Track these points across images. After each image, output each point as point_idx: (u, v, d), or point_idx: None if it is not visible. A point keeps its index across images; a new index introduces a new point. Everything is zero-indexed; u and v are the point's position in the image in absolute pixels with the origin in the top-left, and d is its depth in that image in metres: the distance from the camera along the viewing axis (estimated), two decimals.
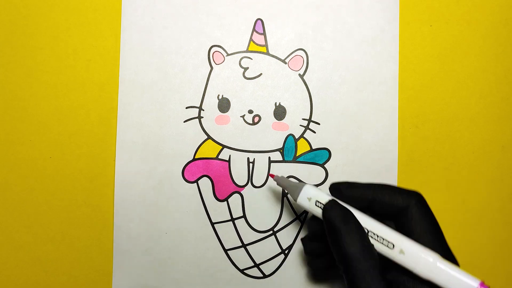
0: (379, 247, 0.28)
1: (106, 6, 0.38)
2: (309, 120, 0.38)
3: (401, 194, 0.29)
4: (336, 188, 0.31)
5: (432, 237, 0.27)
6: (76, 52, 0.38)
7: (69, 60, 0.38)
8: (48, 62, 0.38)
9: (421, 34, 0.39)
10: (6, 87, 0.38)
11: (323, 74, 0.38)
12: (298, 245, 0.38)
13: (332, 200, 0.30)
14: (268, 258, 0.38)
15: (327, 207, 0.29)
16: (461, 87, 0.39)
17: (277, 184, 0.34)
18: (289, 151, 0.38)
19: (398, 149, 0.38)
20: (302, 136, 0.38)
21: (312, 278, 0.38)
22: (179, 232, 0.38)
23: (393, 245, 0.27)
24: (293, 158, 0.38)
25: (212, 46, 0.38)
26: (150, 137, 0.38)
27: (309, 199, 0.31)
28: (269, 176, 0.38)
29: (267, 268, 0.38)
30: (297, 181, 0.35)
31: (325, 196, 0.31)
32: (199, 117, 0.38)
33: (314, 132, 0.38)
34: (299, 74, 0.38)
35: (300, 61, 0.38)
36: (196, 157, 0.38)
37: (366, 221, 0.29)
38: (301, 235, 0.38)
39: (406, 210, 0.28)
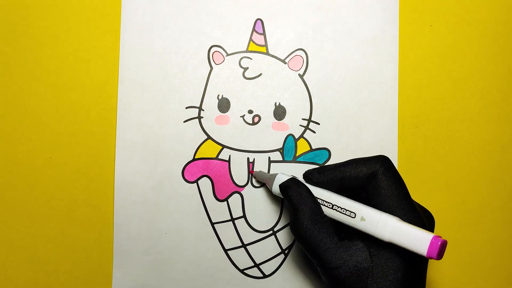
0: (342, 217, 0.30)
1: (106, 6, 0.38)
2: (309, 120, 0.38)
3: (365, 163, 0.30)
4: (308, 176, 0.32)
5: (397, 199, 0.29)
6: (76, 52, 0.38)
7: (69, 60, 0.38)
8: (48, 62, 0.38)
9: (421, 34, 0.39)
10: (6, 87, 0.38)
11: (323, 74, 0.38)
12: (298, 245, 0.38)
13: (291, 178, 0.32)
14: (268, 258, 0.38)
15: (283, 184, 0.32)
16: (461, 87, 0.39)
17: (257, 179, 0.37)
18: (289, 151, 0.38)
19: (398, 149, 0.38)
20: (302, 136, 0.38)
21: None
22: (179, 232, 0.38)
23: (355, 214, 0.29)
24: (293, 158, 0.38)
25: (212, 46, 0.38)
26: (150, 137, 0.38)
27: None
28: (251, 173, 0.38)
29: (267, 268, 0.38)
30: (273, 173, 0.36)
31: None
32: (199, 117, 0.38)
33: (314, 132, 0.38)
34: (299, 74, 0.38)
35: (300, 61, 0.38)
36: (196, 157, 0.38)
37: (328, 196, 0.31)
38: None
39: (373, 175, 0.30)
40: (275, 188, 0.34)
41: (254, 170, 0.38)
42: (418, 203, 0.31)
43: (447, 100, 0.39)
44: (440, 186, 0.39)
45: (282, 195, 0.32)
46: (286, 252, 0.38)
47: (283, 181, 0.33)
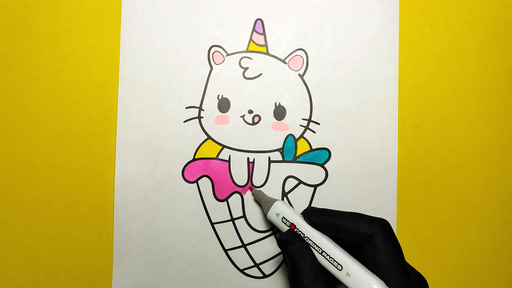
0: (329, 267, 0.30)
1: (106, 6, 0.38)
2: (309, 120, 0.38)
3: (366, 222, 0.30)
4: (307, 215, 0.32)
5: (392, 269, 0.28)
6: (76, 52, 0.38)
7: (69, 60, 0.38)
8: (48, 62, 0.38)
9: (421, 34, 0.39)
10: (6, 87, 0.38)
11: (323, 74, 0.38)
12: None
13: (288, 231, 0.32)
14: (268, 258, 0.38)
15: (282, 240, 0.31)
16: (461, 87, 0.39)
17: (254, 198, 0.37)
18: (289, 151, 0.38)
19: (398, 149, 0.38)
20: (302, 136, 0.38)
21: None
22: (179, 232, 0.38)
23: (342, 267, 0.29)
24: (293, 158, 0.38)
25: (212, 46, 0.38)
26: (150, 137, 0.38)
27: (277, 214, 0.34)
28: (249, 188, 0.38)
29: (267, 268, 0.38)
30: (271, 198, 0.36)
31: (291, 214, 0.33)
32: (199, 117, 0.38)
33: (314, 132, 0.38)
34: (299, 74, 0.38)
35: (300, 61, 0.38)
36: (196, 157, 0.38)
37: (320, 241, 0.31)
38: None
39: (371, 238, 0.29)
40: (271, 215, 0.34)
41: (254, 188, 0.38)
42: (413, 268, 0.31)
43: (447, 100, 0.39)
44: (440, 186, 0.39)
45: (280, 249, 0.32)
46: None
47: (289, 219, 0.33)
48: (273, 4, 0.38)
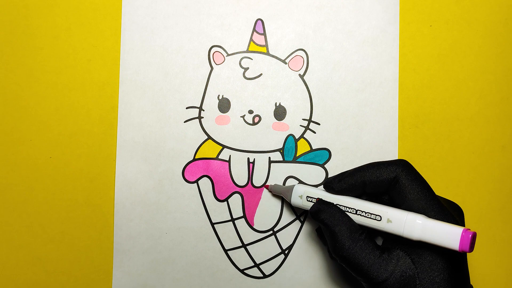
0: (368, 222, 0.30)
1: (106, 6, 0.38)
2: (309, 121, 0.38)
3: (386, 167, 0.30)
4: (329, 185, 0.32)
5: (425, 201, 0.29)
6: (76, 52, 0.38)
7: (69, 60, 0.38)
8: (48, 62, 0.38)
9: (421, 34, 0.39)
10: (7, 87, 0.38)
11: (323, 74, 0.38)
12: (298, 245, 0.38)
13: (318, 200, 0.32)
14: (268, 258, 0.38)
15: (313, 210, 0.32)
16: (461, 87, 0.39)
17: (273, 193, 0.37)
18: (289, 151, 0.38)
19: (398, 149, 0.38)
20: (302, 136, 0.38)
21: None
22: (179, 232, 0.38)
23: (380, 217, 0.29)
24: (293, 158, 0.38)
25: (212, 46, 0.38)
26: (150, 137, 0.38)
27: (300, 196, 0.34)
28: (265, 187, 0.38)
29: (267, 268, 0.38)
30: (289, 185, 0.36)
31: (313, 190, 0.33)
32: (199, 117, 0.38)
33: (314, 132, 0.38)
34: (299, 74, 0.38)
35: (300, 61, 0.38)
36: (196, 157, 0.38)
37: (350, 202, 0.31)
38: (301, 235, 0.38)
39: (396, 180, 0.30)
40: (295, 200, 0.34)
41: (269, 184, 0.38)
42: (444, 198, 0.31)
43: (447, 100, 0.39)
44: (440, 186, 0.39)
45: (314, 219, 0.32)
46: (286, 252, 0.38)
47: (313, 196, 0.33)
48: (273, 4, 0.38)
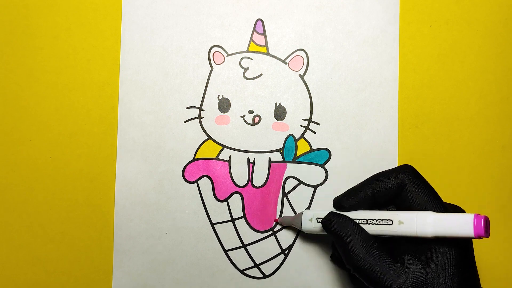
0: (380, 228, 0.30)
1: (106, 6, 0.38)
2: (309, 121, 0.38)
3: (392, 174, 0.31)
4: (339, 204, 0.32)
5: (431, 204, 0.29)
6: (76, 52, 0.38)
7: (69, 60, 0.38)
8: (48, 62, 0.38)
9: (421, 34, 0.39)
10: (6, 87, 0.38)
11: (323, 74, 0.38)
12: (298, 245, 0.38)
13: (330, 212, 0.32)
14: (268, 258, 0.38)
15: (325, 220, 0.32)
16: (461, 87, 0.39)
17: (283, 225, 0.38)
18: (289, 151, 0.38)
19: (398, 149, 0.38)
20: (302, 136, 0.38)
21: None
22: (179, 232, 0.38)
23: (391, 221, 0.29)
24: (293, 158, 0.38)
25: (212, 46, 0.38)
26: (150, 137, 0.38)
27: (311, 220, 0.34)
28: (274, 221, 0.38)
29: (267, 268, 0.38)
30: (296, 213, 0.37)
31: (323, 212, 0.33)
32: (200, 117, 0.38)
33: (314, 133, 0.38)
34: (299, 75, 0.38)
35: (300, 61, 0.38)
36: (196, 157, 0.38)
37: (361, 214, 0.31)
38: (301, 235, 0.38)
39: (402, 186, 0.30)
40: (306, 225, 0.34)
41: (278, 218, 0.38)
42: (450, 204, 0.31)
43: (447, 100, 0.39)
44: (440, 186, 0.39)
45: (326, 231, 0.32)
46: (286, 252, 0.38)
47: (323, 216, 0.32)
48: (273, 4, 0.38)
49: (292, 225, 0.36)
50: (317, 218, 0.33)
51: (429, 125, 0.39)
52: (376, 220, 0.30)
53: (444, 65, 0.39)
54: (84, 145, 0.38)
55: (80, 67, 0.38)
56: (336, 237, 0.31)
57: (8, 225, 0.38)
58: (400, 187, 0.30)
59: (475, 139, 0.39)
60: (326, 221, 0.32)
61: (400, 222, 0.28)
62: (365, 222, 0.30)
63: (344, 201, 0.32)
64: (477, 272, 0.30)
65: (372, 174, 0.32)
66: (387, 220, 0.29)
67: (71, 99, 0.38)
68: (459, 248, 0.28)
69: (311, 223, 0.34)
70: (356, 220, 0.31)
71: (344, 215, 0.31)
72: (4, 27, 0.38)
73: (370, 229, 0.30)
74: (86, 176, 0.38)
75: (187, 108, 0.38)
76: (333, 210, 0.33)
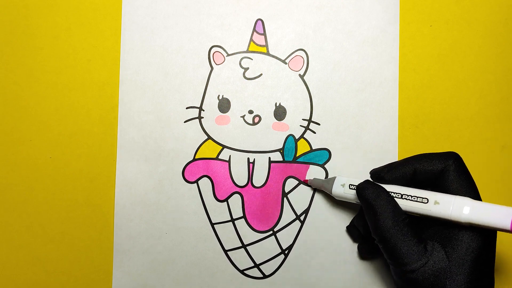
0: (414, 205, 0.29)
1: (106, 6, 0.38)
2: (309, 121, 0.38)
3: (439, 158, 0.31)
4: (377, 175, 0.32)
5: (471, 194, 0.29)
6: (76, 52, 0.38)
7: (69, 60, 0.38)
8: (48, 62, 0.38)
9: (421, 34, 0.39)
10: (7, 87, 0.38)
11: (323, 74, 0.38)
12: (298, 245, 0.38)
13: (366, 180, 0.32)
14: (268, 258, 0.38)
15: (360, 186, 0.32)
16: (461, 87, 0.39)
17: (312, 186, 0.37)
18: (289, 151, 0.38)
19: (398, 149, 0.38)
20: (302, 136, 0.38)
21: (360, 257, 0.38)
22: (179, 232, 0.38)
23: (427, 200, 0.29)
24: (293, 158, 0.38)
25: (212, 46, 0.38)
26: (150, 137, 0.38)
27: (343, 185, 0.34)
28: (304, 182, 0.38)
29: (267, 268, 0.38)
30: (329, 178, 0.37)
31: (357, 180, 0.33)
32: (200, 117, 0.38)
33: (314, 133, 0.38)
34: (299, 75, 0.38)
35: (300, 61, 0.38)
36: (196, 157, 0.38)
37: (397, 188, 0.31)
38: (301, 235, 0.38)
39: (444, 171, 0.30)
40: (336, 189, 0.34)
41: (308, 178, 0.38)
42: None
43: (447, 100, 0.39)
44: None
45: (359, 197, 0.32)
46: (286, 252, 0.38)
47: (358, 183, 0.33)
48: (273, 4, 0.38)
49: (322, 188, 0.37)
50: (350, 184, 0.33)
51: (429, 125, 0.39)
52: (412, 197, 0.30)
53: (444, 65, 0.39)
54: (84, 145, 0.38)
55: (80, 67, 0.38)
56: (367, 205, 0.31)
57: (8, 225, 0.38)
58: (443, 171, 0.30)
59: (475, 139, 0.39)
60: (361, 188, 0.32)
61: (436, 203, 0.28)
62: (400, 196, 0.30)
63: (383, 173, 0.32)
64: (494, 266, 0.30)
65: None
66: (423, 198, 0.29)
67: (71, 99, 0.38)
68: (485, 241, 0.28)
69: (342, 188, 0.34)
70: (390, 193, 0.31)
71: (380, 185, 0.31)
72: (4, 27, 0.38)
73: (404, 204, 0.30)
74: (86, 176, 0.38)
75: (187, 108, 0.38)
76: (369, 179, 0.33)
